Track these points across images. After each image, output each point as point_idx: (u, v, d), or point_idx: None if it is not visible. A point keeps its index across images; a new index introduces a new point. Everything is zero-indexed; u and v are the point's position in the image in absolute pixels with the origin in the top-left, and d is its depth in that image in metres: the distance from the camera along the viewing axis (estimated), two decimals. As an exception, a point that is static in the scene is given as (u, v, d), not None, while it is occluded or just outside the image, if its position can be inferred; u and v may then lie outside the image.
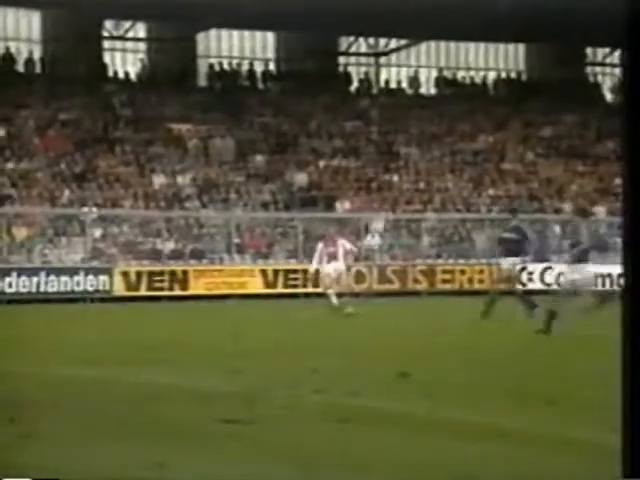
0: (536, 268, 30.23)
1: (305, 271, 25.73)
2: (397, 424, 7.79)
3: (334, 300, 21.47)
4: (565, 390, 9.45)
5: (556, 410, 8.34)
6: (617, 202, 34.90)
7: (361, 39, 40.52)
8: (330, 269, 21.97)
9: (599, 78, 42.68)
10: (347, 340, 15.55)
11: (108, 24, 37.67)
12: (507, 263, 19.87)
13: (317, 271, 22.64)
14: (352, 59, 40.94)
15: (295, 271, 28.95)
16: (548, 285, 30.06)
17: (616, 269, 30.78)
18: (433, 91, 40.76)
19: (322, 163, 35.20)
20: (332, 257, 22.00)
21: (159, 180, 32.68)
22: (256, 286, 28.83)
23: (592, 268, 17.02)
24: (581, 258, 16.02)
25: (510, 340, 15.24)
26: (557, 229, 32.42)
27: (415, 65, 41.52)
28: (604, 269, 30.52)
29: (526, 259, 20.54)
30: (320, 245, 22.45)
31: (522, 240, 19.76)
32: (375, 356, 12.92)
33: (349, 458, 6.49)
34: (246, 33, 39.92)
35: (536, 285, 29.85)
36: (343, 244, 22.40)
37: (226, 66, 39.15)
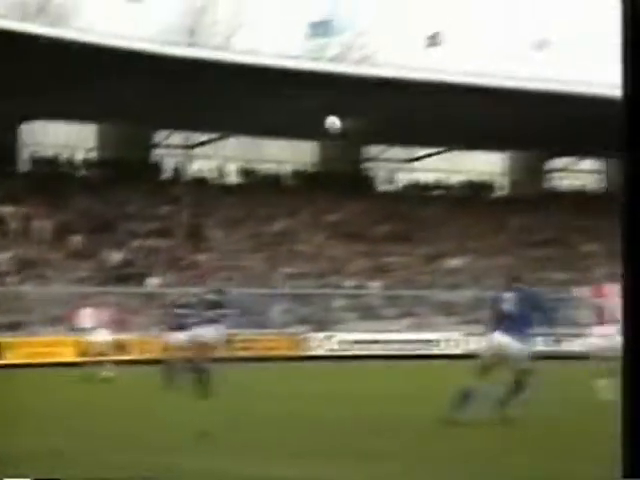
0: (318, 336, 34.16)
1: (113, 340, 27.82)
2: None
3: (103, 368, 22.50)
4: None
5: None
6: (390, 278, 39.10)
7: (174, 133, 43.10)
8: (96, 336, 23.44)
9: (375, 172, 46.35)
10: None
11: None
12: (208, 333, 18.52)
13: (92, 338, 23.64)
14: (166, 150, 43.40)
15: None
16: (331, 351, 33.89)
17: (384, 336, 34.80)
18: (237, 180, 43.71)
19: (136, 243, 37.75)
20: (99, 325, 23.47)
21: (-22, 259, 34.45)
22: (70, 355, 30.85)
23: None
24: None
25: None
26: (342, 302, 36.36)
27: (221, 157, 44.71)
28: (366, 336, 34.40)
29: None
30: (87, 312, 23.74)
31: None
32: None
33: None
34: (68, 125, 42.25)
35: (319, 352, 33.68)
36: (108, 315, 23.94)
37: (48, 153, 41.18)
